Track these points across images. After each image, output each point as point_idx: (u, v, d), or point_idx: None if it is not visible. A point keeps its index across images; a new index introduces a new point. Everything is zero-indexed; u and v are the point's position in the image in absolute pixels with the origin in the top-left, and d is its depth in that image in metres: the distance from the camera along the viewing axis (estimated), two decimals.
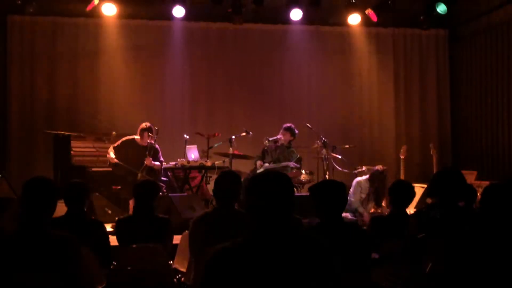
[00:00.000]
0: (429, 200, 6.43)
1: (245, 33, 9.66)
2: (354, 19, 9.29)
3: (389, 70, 10.01)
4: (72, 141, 8.07)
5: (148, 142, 7.07)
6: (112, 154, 7.10)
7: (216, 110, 9.65)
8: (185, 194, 7.32)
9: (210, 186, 6.91)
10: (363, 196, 6.82)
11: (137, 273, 3.76)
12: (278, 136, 7.73)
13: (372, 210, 6.71)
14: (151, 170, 7.14)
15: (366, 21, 9.35)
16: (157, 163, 7.20)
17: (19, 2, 8.42)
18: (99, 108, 9.27)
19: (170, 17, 9.04)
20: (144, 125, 7.19)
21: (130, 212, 6.35)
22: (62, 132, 8.20)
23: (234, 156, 7.71)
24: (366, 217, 6.51)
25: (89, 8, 8.47)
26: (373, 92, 9.99)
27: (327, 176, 7.68)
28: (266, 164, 7.69)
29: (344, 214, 6.68)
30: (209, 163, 7.40)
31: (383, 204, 6.81)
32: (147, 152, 6.99)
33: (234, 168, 7.53)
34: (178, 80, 9.55)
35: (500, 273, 2.61)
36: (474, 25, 9.46)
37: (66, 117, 9.09)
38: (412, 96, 10.07)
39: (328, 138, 7.97)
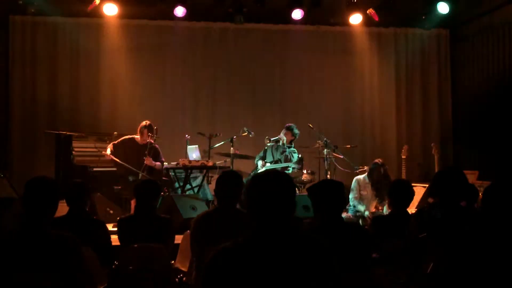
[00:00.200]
0: (430, 200, 6.42)
1: (246, 33, 9.66)
2: (355, 19, 9.28)
3: (390, 70, 10.00)
4: (73, 141, 8.08)
5: (148, 141, 7.08)
6: (108, 151, 7.11)
7: (217, 110, 9.65)
8: (186, 194, 7.32)
9: (212, 186, 6.91)
10: (364, 193, 6.80)
11: (138, 273, 3.76)
12: (280, 136, 7.73)
13: (373, 210, 6.69)
14: (152, 170, 7.15)
15: (368, 21, 9.34)
16: (158, 163, 7.21)
17: (21, 1, 8.44)
18: (101, 108, 9.28)
19: (171, 17, 9.05)
20: (144, 123, 7.20)
21: (132, 211, 6.35)
22: (64, 132, 8.20)
23: (236, 156, 7.72)
24: (367, 217, 6.50)
25: (90, 8, 8.47)
26: (375, 92, 9.98)
27: (328, 176, 7.69)
28: (268, 164, 7.69)
29: (346, 214, 6.70)
30: (210, 163, 7.41)
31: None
32: (146, 152, 7.00)
33: (235, 168, 7.54)
34: (180, 80, 9.56)
35: (501, 272, 2.60)
36: (475, 25, 9.44)
37: (67, 117, 9.09)
38: (414, 96, 10.06)
39: (330, 138, 7.97)
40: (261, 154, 8.00)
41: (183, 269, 4.19)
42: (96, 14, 8.78)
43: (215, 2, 8.69)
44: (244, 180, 4.05)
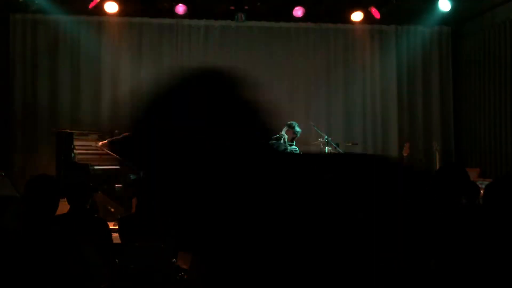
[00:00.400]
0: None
1: (248, 30, 9.65)
2: (357, 16, 9.26)
3: (392, 68, 9.98)
4: (74, 139, 8.08)
5: None
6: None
7: None
8: None
9: None
10: None
11: (139, 271, 3.76)
12: (281, 134, 7.72)
13: None
14: None
15: (369, 18, 9.34)
16: None
17: (21, 0, 8.44)
18: (102, 105, 9.28)
19: (172, 14, 9.05)
20: None
21: (133, 210, 6.35)
22: (65, 130, 8.21)
23: None
24: None
25: (91, 6, 8.47)
26: (376, 89, 9.96)
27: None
28: None
29: None
30: None
31: None
32: None
33: None
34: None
35: (502, 269, 2.60)
36: (477, 22, 9.42)
37: (68, 115, 9.10)
38: (415, 93, 10.04)
39: (331, 136, 7.97)
40: None
41: (184, 266, 4.18)
42: (97, 12, 8.78)
43: (216, 0, 8.68)
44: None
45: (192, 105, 1.48)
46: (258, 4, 8.77)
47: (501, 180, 2.89)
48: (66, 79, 9.17)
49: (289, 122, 7.86)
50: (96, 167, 7.82)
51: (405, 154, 8.09)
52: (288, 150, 7.64)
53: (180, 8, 8.75)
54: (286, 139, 7.64)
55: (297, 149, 7.82)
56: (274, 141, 7.72)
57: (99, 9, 8.73)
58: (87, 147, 8.13)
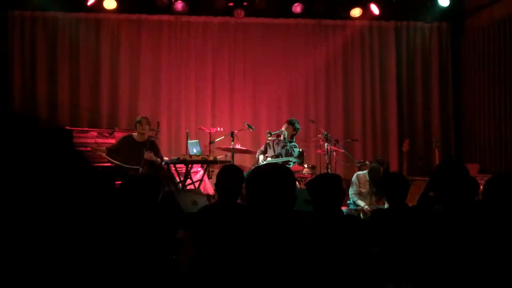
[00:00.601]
0: (432, 193, 6.40)
1: (247, 27, 9.64)
2: (356, 12, 9.25)
3: (391, 63, 9.96)
4: (74, 136, 8.07)
5: (147, 136, 7.07)
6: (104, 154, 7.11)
7: (218, 104, 9.64)
8: (187, 189, 7.32)
9: (213, 181, 6.91)
10: (363, 190, 6.78)
11: None
12: (281, 130, 7.72)
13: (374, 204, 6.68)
14: (153, 165, 7.13)
15: (368, 14, 9.33)
16: (158, 158, 7.20)
17: None
18: (101, 102, 9.28)
19: (171, 11, 9.03)
20: (140, 117, 7.21)
21: None
22: (64, 127, 8.19)
23: (237, 150, 7.71)
24: (367, 210, 6.48)
25: (90, 4, 8.47)
26: (376, 85, 9.95)
27: (329, 170, 7.68)
28: (269, 158, 7.68)
29: (347, 209, 6.69)
30: (211, 158, 7.40)
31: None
32: (144, 149, 6.97)
33: (236, 162, 7.53)
34: (180, 75, 9.54)
35: (502, 266, 2.60)
36: (476, 18, 9.41)
37: (68, 111, 9.10)
38: (415, 89, 10.03)
39: (331, 132, 7.97)
40: (262, 148, 7.99)
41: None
42: (96, 8, 8.77)
43: None
44: (245, 174, 4.04)
45: None
46: (257, 1, 8.75)
47: (500, 176, 2.89)
48: (64, 75, 9.16)
49: (289, 119, 7.85)
50: (95, 165, 7.79)
51: (404, 151, 8.09)
52: (288, 147, 7.65)
53: (179, 5, 8.74)
54: (286, 136, 7.64)
55: (297, 145, 7.81)
56: (274, 137, 7.73)
57: (98, 5, 8.71)
58: (87, 144, 8.11)
